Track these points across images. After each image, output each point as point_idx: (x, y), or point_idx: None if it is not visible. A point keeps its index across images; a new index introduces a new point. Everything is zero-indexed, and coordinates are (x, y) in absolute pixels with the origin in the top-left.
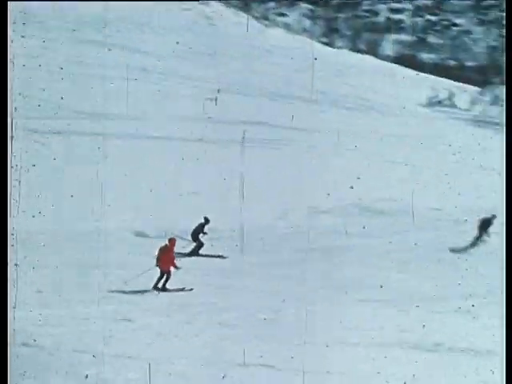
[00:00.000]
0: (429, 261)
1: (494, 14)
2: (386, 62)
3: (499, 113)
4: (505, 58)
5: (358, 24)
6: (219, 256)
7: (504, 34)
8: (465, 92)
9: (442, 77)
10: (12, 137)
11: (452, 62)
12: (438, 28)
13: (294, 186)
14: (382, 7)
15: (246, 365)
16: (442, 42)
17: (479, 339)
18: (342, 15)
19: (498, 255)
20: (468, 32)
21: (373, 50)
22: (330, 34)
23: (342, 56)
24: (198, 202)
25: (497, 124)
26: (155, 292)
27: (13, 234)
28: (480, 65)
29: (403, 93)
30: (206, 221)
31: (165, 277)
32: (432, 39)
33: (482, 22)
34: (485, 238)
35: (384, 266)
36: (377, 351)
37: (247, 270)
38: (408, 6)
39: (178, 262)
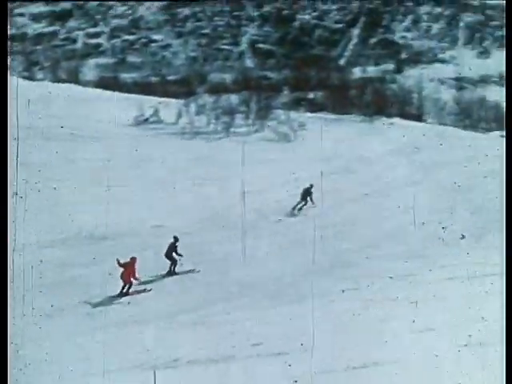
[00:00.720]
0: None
1: (190, 25)
2: (88, 88)
3: (206, 122)
4: (505, 58)
5: (56, 54)
6: (191, 271)
7: (202, 44)
8: (170, 106)
9: (147, 94)
10: None
11: (154, 79)
12: (136, 46)
13: None
14: (79, 33)
15: None
16: (142, 59)
17: (215, 348)
18: (39, 47)
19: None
20: (167, 46)
21: (74, 78)
22: (30, 68)
23: (45, 88)
24: None
25: (204, 133)
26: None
27: None
28: (182, 77)
29: (110, 116)
30: (176, 239)
31: (127, 286)
32: (132, 58)
33: (179, 35)
34: (303, 203)
35: (112, 290)
36: (118, 377)
37: None
38: (105, 28)
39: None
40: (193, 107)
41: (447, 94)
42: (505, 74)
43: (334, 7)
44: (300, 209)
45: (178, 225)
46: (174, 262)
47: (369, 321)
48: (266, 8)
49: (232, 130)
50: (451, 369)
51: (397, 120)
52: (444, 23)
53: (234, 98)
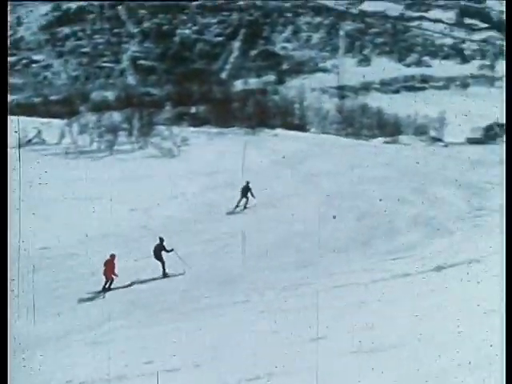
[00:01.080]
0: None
1: (70, 44)
2: None
3: (89, 141)
4: (505, 58)
5: None
6: (180, 274)
7: (83, 63)
8: (53, 126)
9: (29, 116)
10: None
11: (36, 99)
12: (18, 68)
13: None
14: None
15: None
16: (23, 81)
17: (107, 367)
18: None
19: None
20: (49, 66)
21: None
22: None
23: None
24: None
25: (87, 152)
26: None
27: None
28: (64, 97)
29: None
30: (162, 240)
31: (109, 282)
32: (14, 80)
33: (60, 54)
34: (245, 199)
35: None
36: None
37: None
38: None
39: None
40: (75, 126)
41: (329, 103)
42: (505, 74)
43: (214, 20)
44: (245, 207)
45: (65, 245)
46: (163, 263)
47: (261, 332)
48: (146, 24)
49: (115, 147)
50: (343, 376)
51: (280, 131)
52: (324, 32)
53: (116, 116)
